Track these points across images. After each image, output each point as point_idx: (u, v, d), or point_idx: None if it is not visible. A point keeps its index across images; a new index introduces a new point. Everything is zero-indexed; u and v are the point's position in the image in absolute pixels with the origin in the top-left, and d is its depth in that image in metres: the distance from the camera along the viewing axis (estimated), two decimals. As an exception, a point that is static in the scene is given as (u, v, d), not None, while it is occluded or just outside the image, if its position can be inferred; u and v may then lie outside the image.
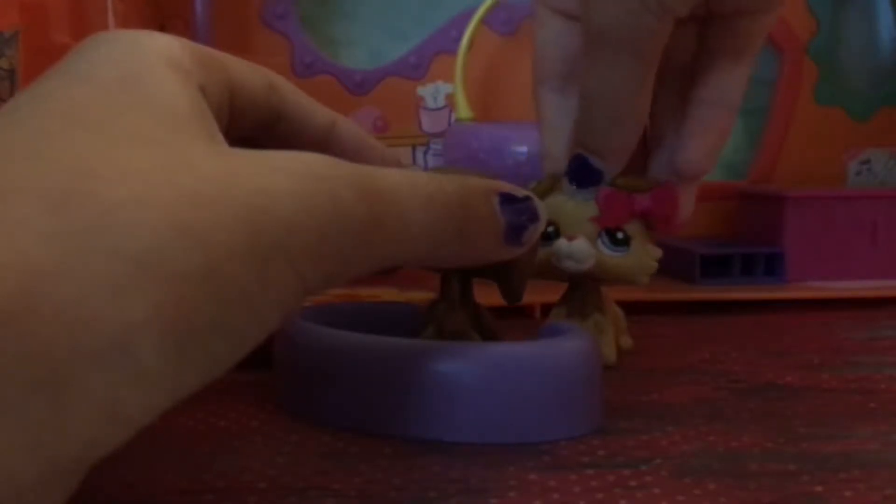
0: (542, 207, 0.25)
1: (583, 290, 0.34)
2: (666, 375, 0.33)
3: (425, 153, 0.58)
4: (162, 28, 0.55)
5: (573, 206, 0.32)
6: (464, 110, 0.54)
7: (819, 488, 0.21)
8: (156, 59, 0.20)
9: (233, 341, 0.16)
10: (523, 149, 0.47)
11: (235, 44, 0.56)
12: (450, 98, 0.58)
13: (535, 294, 0.45)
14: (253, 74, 0.24)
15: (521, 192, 0.25)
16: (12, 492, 0.13)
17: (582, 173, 0.32)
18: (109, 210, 0.15)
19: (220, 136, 0.20)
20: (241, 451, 0.24)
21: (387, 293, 0.39)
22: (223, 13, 0.55)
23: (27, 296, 0.13)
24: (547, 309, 0.44)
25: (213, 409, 0.28)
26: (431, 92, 0.58)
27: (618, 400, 0.29)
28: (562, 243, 0.32)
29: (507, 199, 0.24)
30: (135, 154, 0.17)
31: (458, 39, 0.55)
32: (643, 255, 0.32)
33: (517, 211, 0.24)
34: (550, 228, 0.32)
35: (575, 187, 0.32)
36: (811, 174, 0.61)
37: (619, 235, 0.32)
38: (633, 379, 0.32)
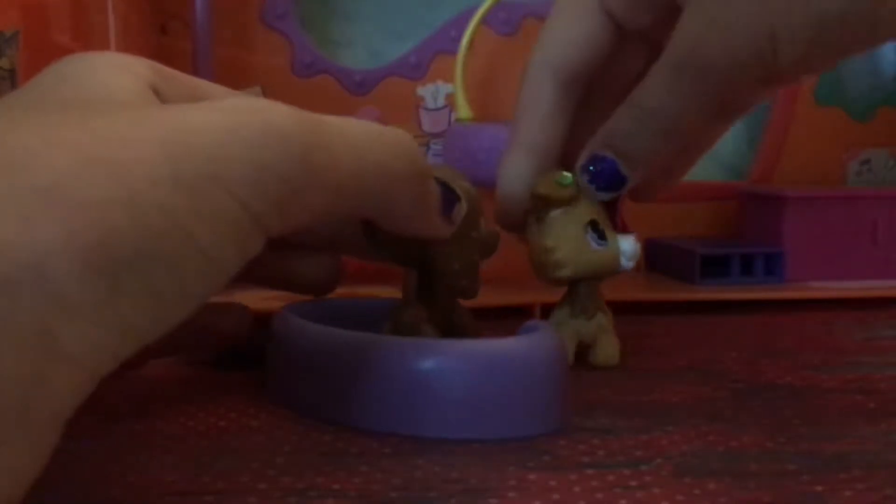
0: (466, 191, 0.27)
1: (585, 289, 0.34)
2: (666, 375, 0.33)
3: (425, 153, 0.58)
4: (162, 28, 0.55)
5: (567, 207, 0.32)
6: (464, 110, 0.54)
7: (819, 488, 0.21)
8: (100, 64, 0.20)
9: (176, 273, 0.16)
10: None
11: (235, 44, 0.56)
12: (450, 98, 0.58)
13: (535, 294, 0.45)
14: (228, 95, 0.24)
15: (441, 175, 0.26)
16: None
17: (608, 177, 0.31)
18: (16, 150, 0.15)
19: None
20: (241, 452, 0.24)
21: (386, 293, 0.39)
22: (223, 13, 0.55)
23: None
24: (547, 309, 0.44)
25: (213, 410, 0.28)
26: (431, 92, 0.58)
27: (618, 400, 0.29)
28: (629, 242, 0.32)
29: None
30: (52, 116, 0.17)
31: (458, 39, 0.55)
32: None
33: (443, 187, 0.26)
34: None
35: (594, 188, 0.32)
36: (811, 174, 0.61)
37: (600, 228, 0.32)
38: (633, 379, 0.32)
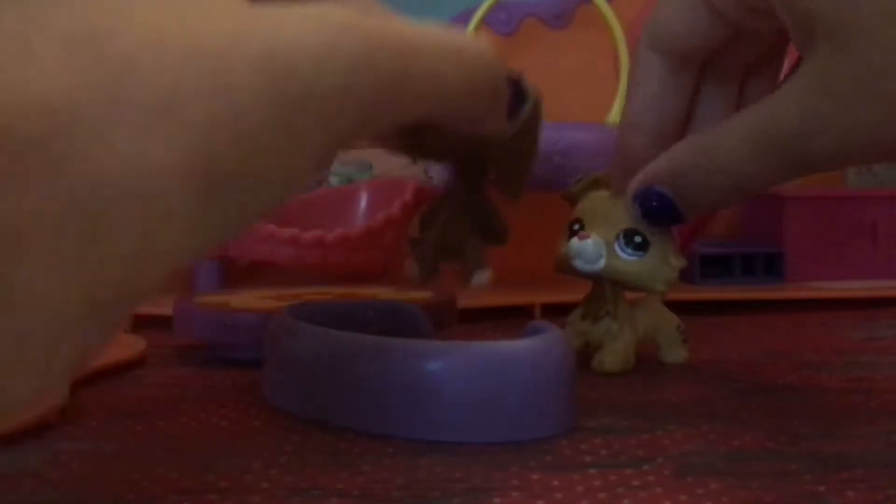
0: (533, 90, 0.27)
1: (600, 292, 0.33)
2: (667, 375, 0.33)
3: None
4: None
5: (606, 206, 0.32)
6: (464, 110, 0.54)
7: (821, 488, 0.21)
8: None
9: (263, 189, 0.17)
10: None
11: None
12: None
13: (536, 294, 0.45)
14: None
15: (512, 72, 0.26)
16: (54, 325, 0.14)
17: (663, 214, 0.30)
18: (130, 54, 0.15)
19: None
20: (244, 451, 0.24)
21: (384, 292, 0.39)
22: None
23: (56, 130, 0.14)
24: (547, 309, 0.45)
25: (215, 410, 0.28)
26: (432, 92, 0.58)
27: (619, 400, 0.29)
28: (573, 242, 0.31)
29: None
30: (153, 2, 0.17)
31: (458, 39, 0.55)
32: (660, 263, 0.31)
33: (514, 85, 0.26)
34: (577, 226, 0.32)
35: (647, 222, 0.31)
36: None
37: (637, 239, 0.31)
38: (634, 379, 0.32)
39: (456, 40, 0.22)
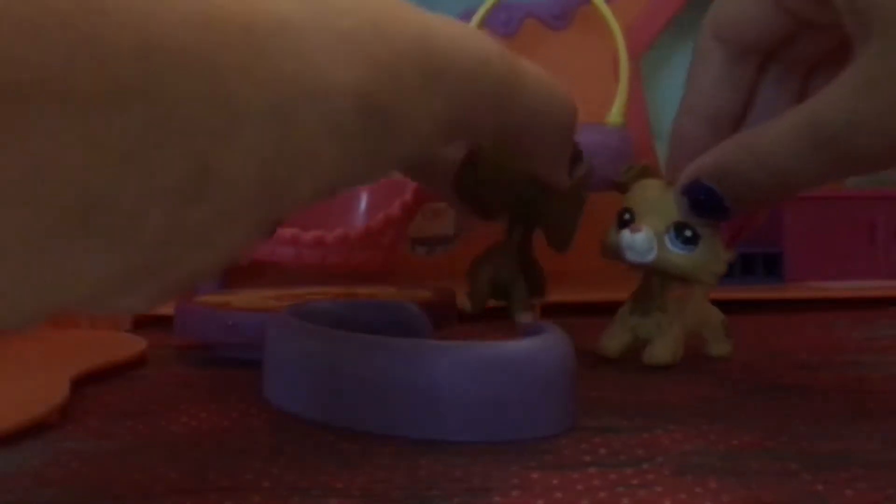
0: (584, 152, 0.30)
1: (648, 286, 0.34)
2: (667, 374, 0.33)
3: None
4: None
5: (657, 198, 0.32)
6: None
7: (820, 487, 0.21)
8: None
9: (396, 137, 0.19)
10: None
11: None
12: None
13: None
14: None
15: None
16: (244, 198, 0.16)
17: (710, 208, 0.30)
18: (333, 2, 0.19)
19: None
20: (244, 451, 0.24)
21: (384, 292, 0.39)
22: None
23: (276, 39, 0.17)
24: (547, 309, 0.45)
25: (215, 410, 0.28)
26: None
27: (619, 399, 0.29)
28: (625, 234, 0.32)
29: None
30: None
31: (458, 40, 0.55)
32: (710, 256, 0.32)
33: (574, 145, 0.29)
34: (627, 216, 0.32)
35: (695, 214, 0.31)
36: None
37: (688, 233, 0.31)
38: (634, 378, 0.32)
39: (551, 80, 0.25)
